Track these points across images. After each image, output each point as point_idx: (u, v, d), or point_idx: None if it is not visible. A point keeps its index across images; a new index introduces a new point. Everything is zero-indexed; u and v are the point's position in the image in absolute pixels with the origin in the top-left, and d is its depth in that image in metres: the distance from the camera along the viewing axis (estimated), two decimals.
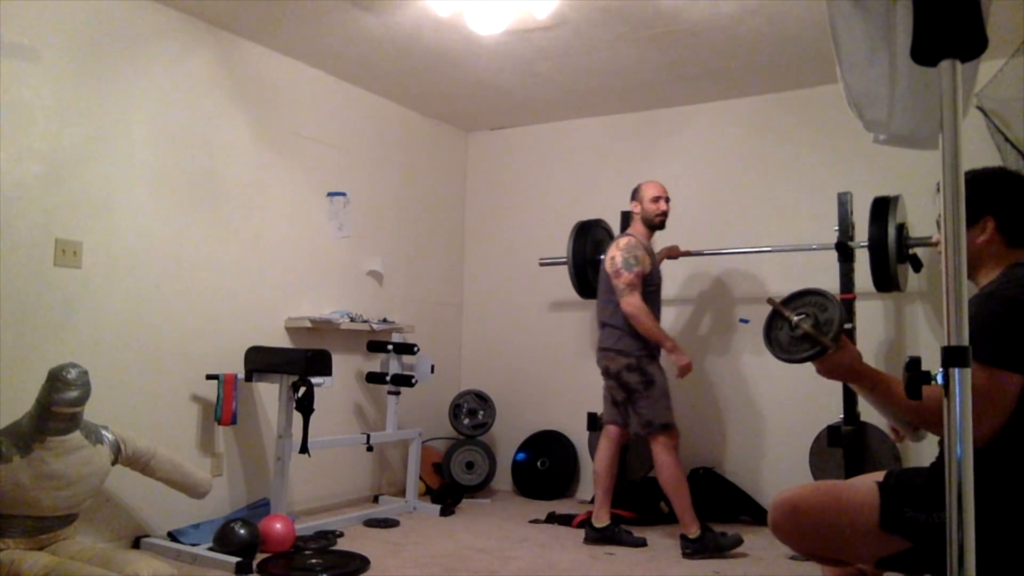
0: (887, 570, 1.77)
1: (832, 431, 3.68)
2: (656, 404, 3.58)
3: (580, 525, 3.88)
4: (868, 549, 1.71)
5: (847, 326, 3.61)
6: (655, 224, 3.78)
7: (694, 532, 3.46)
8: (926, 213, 3.91)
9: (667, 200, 3.78)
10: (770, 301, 1.76)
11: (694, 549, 3.43)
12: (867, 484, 1.76)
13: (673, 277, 4.61)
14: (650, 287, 3.69)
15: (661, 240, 4.54)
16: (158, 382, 3.44)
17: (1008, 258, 1.76)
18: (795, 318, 1.70)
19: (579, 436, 4.73)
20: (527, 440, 4.92)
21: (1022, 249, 1.77)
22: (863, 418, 3.73)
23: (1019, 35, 3.31)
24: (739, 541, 3.47)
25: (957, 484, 1.21)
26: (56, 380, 2.61)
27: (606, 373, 3.71)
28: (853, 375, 1.71)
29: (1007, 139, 3.32)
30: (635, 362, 3.60)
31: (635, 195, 3.81)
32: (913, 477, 1.77)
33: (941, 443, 1.78)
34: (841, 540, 1.73)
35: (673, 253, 4.20)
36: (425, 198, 5.11)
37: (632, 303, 3.57)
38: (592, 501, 3.76)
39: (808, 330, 1.67)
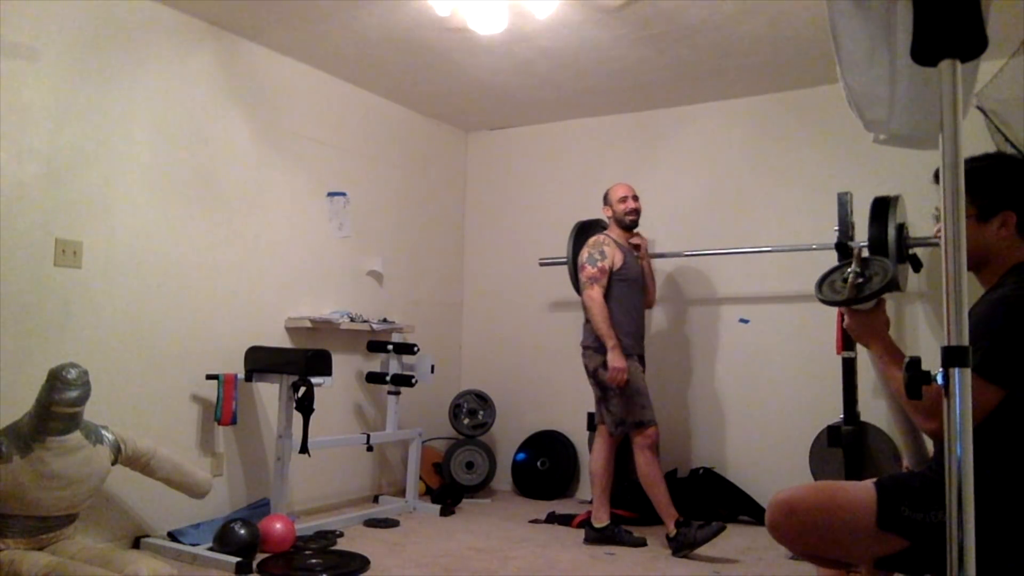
0: (885, 570, 1.76)
1: (832, 431, 3.69)
2: (629, 402, 3.59)
3: (580, 525, 3.89)
4: (865, 549, 1.71)
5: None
6: (627, 223, 3.85)
7: (670, 530, 3.49)
8: (926, 213, 3.90)
9: (635, 198, 3.85)
10: (857, 251, 1.88)
11: (673, 548, 3.47)
12: (864, 484, 1.76)
13: (673, 276, 4.61)
14: (621, 280, 3.71)
15: (665, 239, 4.55)
16: (158, 382, 3.44)
17: (1014, 255, 1.72)
18: (850, 270, 1.82)
19: (579, 436, 4.73)
20: (527, 440, 4.92)
21: None
22: (863, 418, 3.73)
23: (1019, 35, 3.30)
24: (716, 531, 3.42)
25: (957, 484, 1.21)
26: (56, 380, 2.61)
27: (585, 370, 3.74)
28: (869, 338, 1.79)
29: (1007, 139, 3.32)
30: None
31: (604, 200, 3.91)
32: (911, 479, 1.78)
33: (937, 445, 1.79)
34: (838, 540, 1.73)
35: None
36: (425, 198, 5.10)
37: (590, 296, 3.65)
38: (592, 501, 3.76)
39: (852, 281, 1.80)
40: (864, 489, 1.73)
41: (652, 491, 3.56)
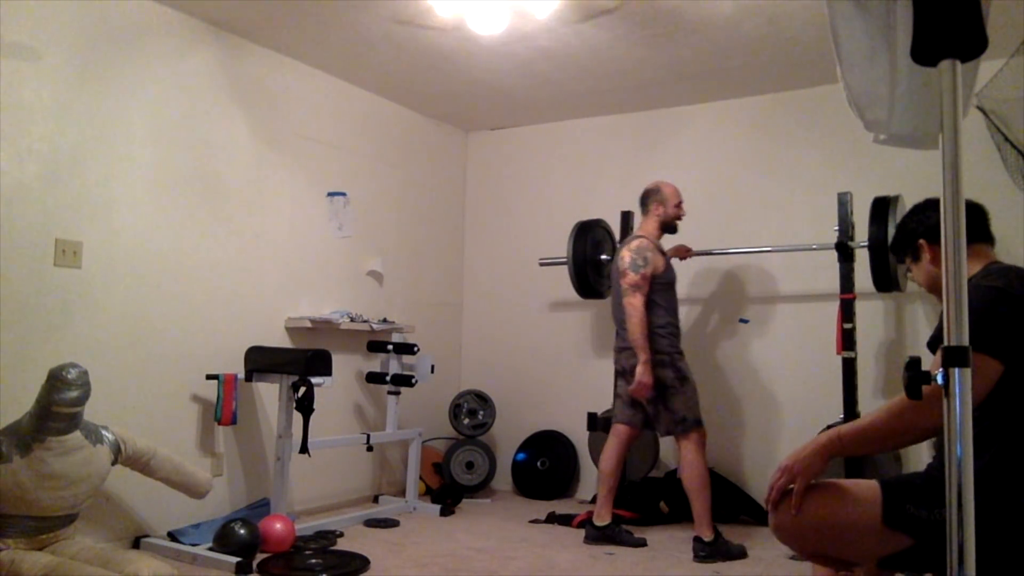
0: (889, 569, 1.76)
1: None
2: (690, 400, 3.57)
3: (580, 525, 3.88)
4: (870, 547, 1.71)
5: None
6: (674, 227, 3.79)
7: (708, 535, 3.43)
8: None
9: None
10: None
11: (707, 553, 3.40)
12: (869, 482, 1.77)
13: None
14: (663, 284, 3.66)
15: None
16: (158, 382, 3.44)
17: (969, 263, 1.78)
18: None
19: (579, 436, 4.73)
20: (527, 440, 4.92)
21: (980, 243, 1.83)
22: None
23: (1019, 35, 3.31)
24: (744, 553, 3.44)
25: (957, 483, 1.21)
26: (56, 380, 2.61)
27: (623, 372, 3.67)
28: (831, 453, 1.74)
29: (1007, 139, 3.32)
30: (668, 359, 3.57)
31: (657, 195, 3.76)
32: (914, 477, 1.78)
33: (938, 443, 1.79)
34: (843, 538, 1.73)
35: (680, 253, 4.14)
36: (425, 198, 5.11)
37: (632, 303, 3.55)
38: (592, 501, 3.76)
39: None
40: (869, 487, 1.74)
41: (700, 494, 3.46)
